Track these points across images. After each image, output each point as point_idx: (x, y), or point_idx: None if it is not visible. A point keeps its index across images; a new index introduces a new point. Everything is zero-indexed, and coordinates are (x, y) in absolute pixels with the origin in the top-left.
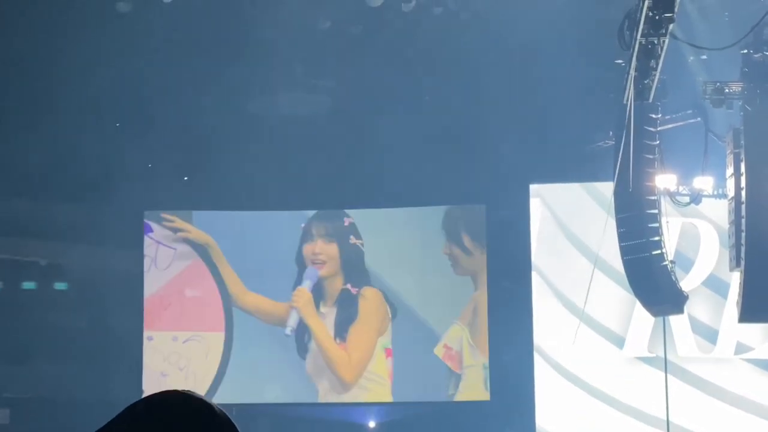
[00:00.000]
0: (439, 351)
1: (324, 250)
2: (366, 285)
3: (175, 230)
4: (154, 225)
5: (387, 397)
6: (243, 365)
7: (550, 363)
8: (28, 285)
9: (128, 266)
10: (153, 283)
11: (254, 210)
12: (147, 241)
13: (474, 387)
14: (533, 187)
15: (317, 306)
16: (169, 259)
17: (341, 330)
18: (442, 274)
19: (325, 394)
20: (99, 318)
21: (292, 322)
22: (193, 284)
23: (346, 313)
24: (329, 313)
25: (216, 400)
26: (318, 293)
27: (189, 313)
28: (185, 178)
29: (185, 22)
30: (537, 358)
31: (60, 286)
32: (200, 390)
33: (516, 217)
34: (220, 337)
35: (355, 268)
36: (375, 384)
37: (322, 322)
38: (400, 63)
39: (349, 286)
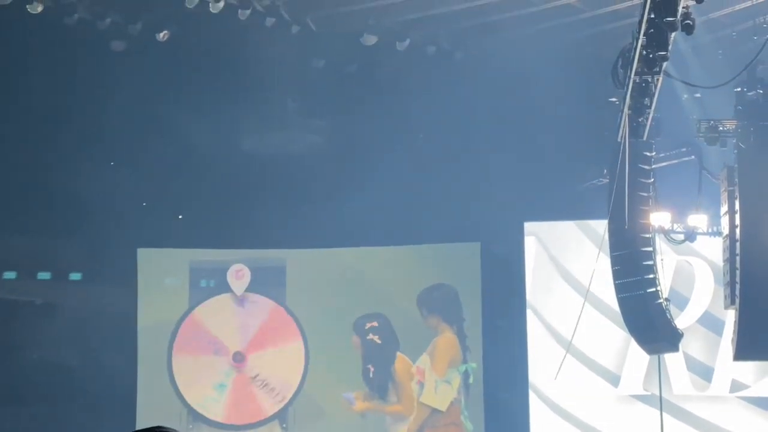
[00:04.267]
0: None
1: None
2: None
3: None
4: None
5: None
6: None
7: (545, 401)
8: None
9: (122, 304)
10: None
11: (246, 248)
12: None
13: None
14: (528, 225)
15: None
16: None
17: None
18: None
19: None
20: (92, 356)
21: None
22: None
23: None
24: None
25: None
26: None
27: None
28: (180, 217)
29: (179, 60)
30: (532, 396)
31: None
32: None
33: (510, 254)
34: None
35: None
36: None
37: None
38: (394, 102)
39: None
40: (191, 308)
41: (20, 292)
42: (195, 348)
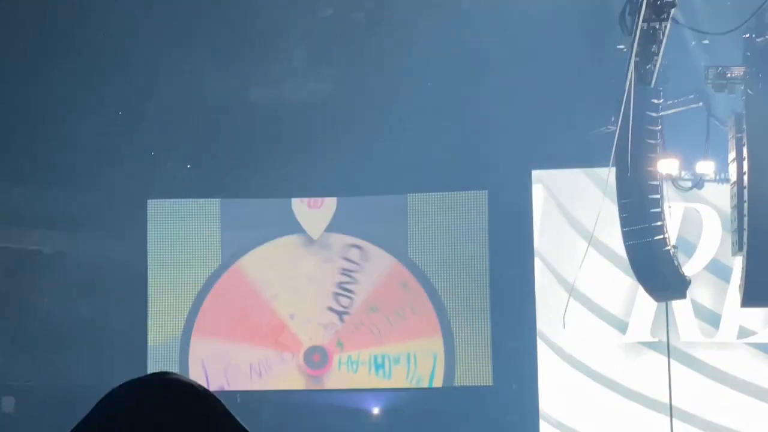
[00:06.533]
0: None
1: None
2: None
3: None
4: None
5: None
6: None
7: (553, 348)
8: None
9: (132, 255)
10: None
11: (257, 198)
12: None
13: None
14: (535, 173)
15: None
16: None
17: None
18: None
19: None
20: (102, 306)
21: None
22: None
23: None
24: None
25: None
26: None
27: None
28: (188, 166)
29: (187, 8)
30: (540, 344)
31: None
32: None
33: (518, 203)
34: None
35: None
36: None
37: None
38: (401, 50)
39: None
40: (229, 262)
41: (29, 241)
42: (231, 328)
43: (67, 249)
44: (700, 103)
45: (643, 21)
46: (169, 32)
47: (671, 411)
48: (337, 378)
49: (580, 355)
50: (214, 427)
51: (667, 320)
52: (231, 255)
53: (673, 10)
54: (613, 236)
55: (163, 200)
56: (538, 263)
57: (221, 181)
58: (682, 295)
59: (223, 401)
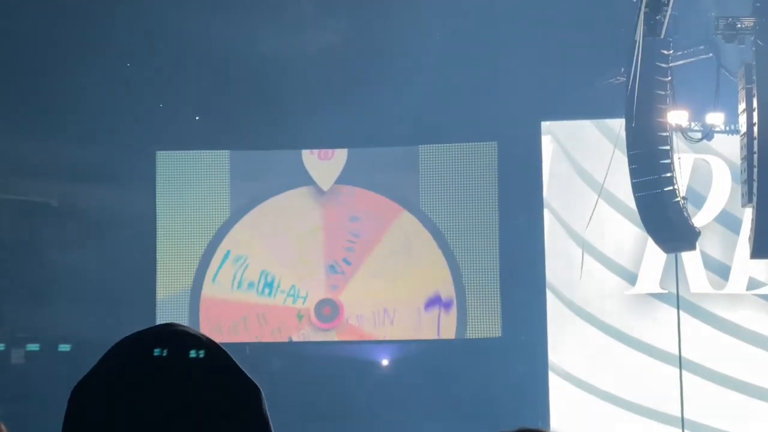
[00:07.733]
0: None
1: None
2: None
3: None
4: None
5: None
6: None
7: (562, 300)
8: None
9: (140, 207)
10: None
11: (267, 149)
12: None
13: None
14: (545, 124)
15: None
16: None
17: None
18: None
19: None
20: (111, 259)
21: None
22: None
23: None
24: None
25: None
26: None
27: None
28: (197, 118)
29: None
30: (549, 295)
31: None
32: None
33: (527, 154)
34: None
35: None
36: None
37: None
38: (409, 1)
39: None
40: (239, 214)
41: (37, 194)
42: None
43: (75, 201)
44: (710, 54)
45: None
46: None
47: (680, 362)
48: (348, 331)
49: (590, 307)
50: (222, 379)
51: (676, 272)
52: (240, 207)
53: None
54: (623, 187)
55: (172, 152)
56: (547, 215)
57: (230, 133)
58: (692, 247)
59: (231, 353)
